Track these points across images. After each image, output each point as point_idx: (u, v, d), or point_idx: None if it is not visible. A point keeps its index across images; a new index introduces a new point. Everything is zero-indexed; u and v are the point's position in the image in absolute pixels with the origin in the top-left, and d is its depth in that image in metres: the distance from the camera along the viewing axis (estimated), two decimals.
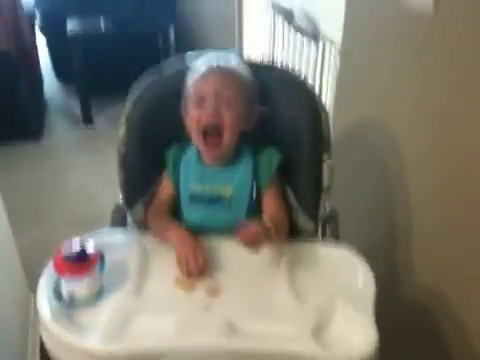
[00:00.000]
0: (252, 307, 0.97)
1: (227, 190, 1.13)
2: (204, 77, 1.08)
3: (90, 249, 0.99)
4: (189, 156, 1.17)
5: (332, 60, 1.85)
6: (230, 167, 1.13)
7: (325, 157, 1.14)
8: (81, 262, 0.96)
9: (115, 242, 1.12)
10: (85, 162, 2.80)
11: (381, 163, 1.44)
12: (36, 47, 3.18)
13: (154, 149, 1.18)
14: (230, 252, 1.08)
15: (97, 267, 0.98)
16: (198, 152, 1.16)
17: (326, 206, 1.17)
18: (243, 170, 1.13)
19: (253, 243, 0.98)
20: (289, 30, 2.18)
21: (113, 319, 0.93)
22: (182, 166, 1.17)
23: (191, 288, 1.01)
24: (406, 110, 1.31)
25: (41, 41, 3.49)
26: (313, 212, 1.16)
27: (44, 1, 3.40)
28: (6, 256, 1.63)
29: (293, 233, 1.16)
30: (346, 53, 1.61)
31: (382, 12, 1.36)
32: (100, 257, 1.00)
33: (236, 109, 1.08)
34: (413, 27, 1.24)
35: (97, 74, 3.16)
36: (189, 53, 1.21)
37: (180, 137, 1.16)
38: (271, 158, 1.14)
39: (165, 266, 1.06)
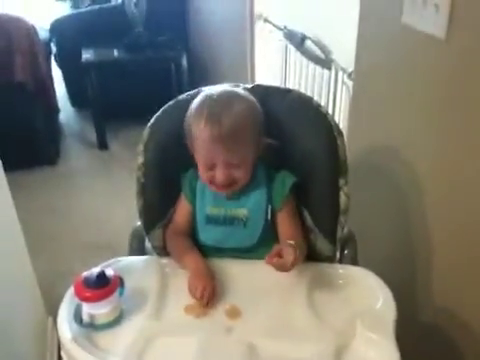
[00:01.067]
0: (273, 329, 0.97)
1: (243, 212, 1.15)
2: (210, 144, 1.06)
3: (110, 273, 1.00)
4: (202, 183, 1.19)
5: (344, 87, 1.88)
6: (245, 190, 1.15)
7: (341, 182, 1.15)
8: (101, 286, 0.97)
9: (134, 266, 1.14)
10: (100, 186, 2.83)
11: (398, 188, 1.43)
12: (51, 77, 3.24)
13: (172, 175, 1.20)
14: (249, 273, 1.09)
15: (117, 291, 0.99)
16: None
17: (344, 229, 1.17)
18: (258, 193, 1.15)
19: (288, 269, 1.00)
20: (301, 58, 2.21)
21: (134, 342, 0.94)
22: (198, 190, 1.18)
23: (203, 314, 1.01)
24: (422, 136, 1.31)
25: (56, 69, 3.56)
26: (331, 235, 1.16)
27: (59, 31, 3.49)
28: (24, 278, 1.65)
29: (312, 256, 1.16)
30: (359, 79, 1.63)
31: (394, 38, 1.38)
32: (120, 281, 1.01)
33: (247, 163, 1.11)
34: (426, 52, 1.26)
35: (111, 100, 3.22)
36: (204, 89, 1.22)
37: (196, 163, 1.17)
38: (285, 180, 1.15)
39: (184, 289, 1.06)
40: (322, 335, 0.94)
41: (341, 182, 1.15)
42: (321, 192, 1.16)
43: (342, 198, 1.15)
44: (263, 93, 1.19)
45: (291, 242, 1.04)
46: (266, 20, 2.59)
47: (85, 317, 0.99)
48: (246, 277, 1.09)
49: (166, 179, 1.20)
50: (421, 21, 1.25)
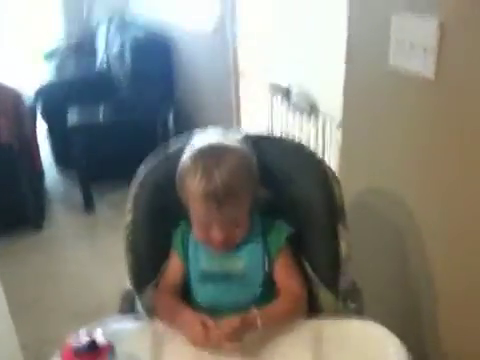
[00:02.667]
0: None
1: (239, 266, 1.09)
2: (205, 202, 1.00)
3: (99, 339, 0.92)
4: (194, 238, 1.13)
5: (332, 135, 1.87)
6: (240, 243, 1.09)
7: (340, 228, 1.10)
8: (91, 353, 0.90)
9: (125, 330, 1.06)
10: (86, 251, 2.75)
11: (396, 232, 1.40)
12: (37, 140, 3.23)
13: (162, 229, 1.15)
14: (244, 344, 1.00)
15: (108, 358, 0.91)
16: None
17: (347, 278, 1.11)
18: (254, 244, 1.10)
19: (231, 338, 0.95)
20: (287, 110, 2.22)
21: None
22: (191, 244, 1.13)
23: None
24: (417, 175, 1.30)
25: (41, 130, 3.55)
26: (333, 285, 1.11)
27: (45, 92, 3.50)
28: (8, 350, 1.56)
29: (314, 309, 1.11)
30: (348, 126, 1.62)
31: (382, 81, 1.38)
32: (110, 347, 0.93)
33: (244, 219, 1.06)
34: (416, 93, 1.25)
35: (97, 162, 3.18)
36: (197, 130, 1.20)
37: (189, 215, 1.12)
38: (280, 230, 1.11)
39: (181, 354, 0.99)
40: None
41: (340, 229, 1.10)
42: (319, 240, 1.12)
43: (342, 246, 1.10)
44: (254, 141, 1.16)
45: (254, 311, 0.99)
46: (251, 75, 2.62)
47: None
48: (248, 335, 1.01)
49: (157, 235, 1.15)
50: (409, 63, 1.25)
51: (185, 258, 1.12)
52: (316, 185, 1.12)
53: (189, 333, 0.99)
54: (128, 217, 1.15)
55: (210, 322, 0.97)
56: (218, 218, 1.02)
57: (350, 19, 1.48)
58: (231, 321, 0.95)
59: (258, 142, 1.16)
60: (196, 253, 1.12)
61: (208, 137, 1.09)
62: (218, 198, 0.99)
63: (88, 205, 3.11)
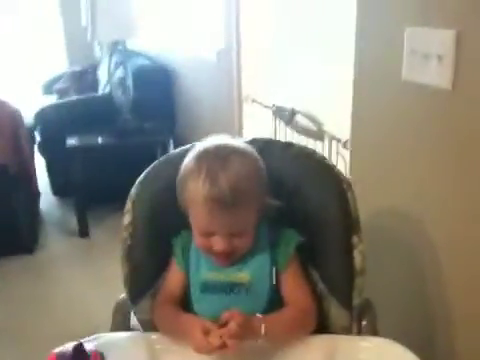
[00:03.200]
0: None
1: (244, 277, 1.00)
2: (207, 209, 0.92)
3: (89, 349, 0.84)
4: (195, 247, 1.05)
5: (339, 156, 1.81)
6: (246, 252, 1.01)
7: (355, 240, 1.03)
8: None
9: (118, 343, 0.97)
10: (80, 276, 2.66)
11: (411, 249, 1.33)
12: (34, 161, 3.18)
13: (163, 236, 1.07)
14: (253, 346, 0.91)
15: None
16: None
17: (361, 294, 1.02)
18: (261, 254, 1.01)
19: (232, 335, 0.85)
20: (292, 133, 2.17)
21: None
22: (192, 253, 1.04)
23: None
24: (432, 190, 1.24)
25: (39, 158, 3.50)
26: (346, 300, 1.02)
27: (44, 119, 3.45)
28: None
29: (325, 327, 1.02)
30: (357, 145, 1.57)
31: (395, 96, 1.34)
32: (101, 358, 0.84)
33: (250, 229, 0.98)
34: (432, 105, 1.21)
35: (95, 186, 3.12)
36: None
37: (190, 224, 1.04)
38: (289, 239, 1.03)
39: None
40: None
41: (355, 240, 1.02)
42: (332, 252, 1.04)
43: (357, 258, 1.02)
44: (262, 147, 1.09)
45: (258, 316, 0.91)
46: (254, 100, 2.59)
47: None
48: (252, 351, 0.91)
49: (156, 240, 1.07)
50: (424, 74, 1.21)
51: (186, 267, 1.04)
52: (330, 193, 1.05)
53: (191, 341, 0.89)
54: (126, 219, 1.07)
55: (211, 325, 0.88)
56: (221, 226, 0.93)
57: (358, 34, 1.45)
58: (233, 321, 0.86)
59: (266, 147, 1.10)
60: (198, 262, 1.03)
61: (213, 139, 1.01)
62: (223, 204, 0.90)
63: (83, 230, 3.03)
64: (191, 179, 0.94)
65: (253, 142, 1.10)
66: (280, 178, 1.06)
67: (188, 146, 1.09)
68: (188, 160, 0.97)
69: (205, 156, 0.95)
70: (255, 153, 1.00)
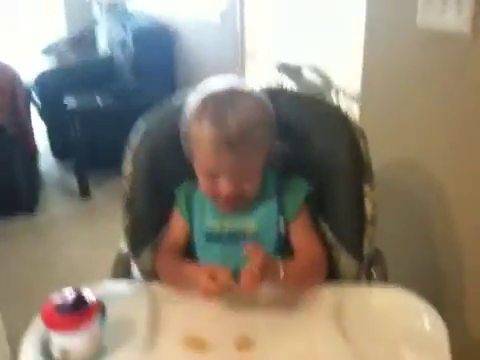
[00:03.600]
0: None
1: (250, 225, 0.96)
2: (214, 149, 0.87)
3: (88, 297, 0.80)
4: (201, 194, 1.00)
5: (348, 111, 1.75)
6: (252, 200, 0.96)
7: (366, 188, 0.98)
8: (76, 312, 0.77)
9: (119, 293, 0.93)
10: (80, 237, 2.63)
11: (420, 201, 1.30)
12: (31, 122, 3.12)
13: (164, 187, 1.03)
14: (260, 298, 0.88)
15: (96, 319, 0.79)
16: None
17: (371, 243, 0.98)
18: (268, 203, 0.97)
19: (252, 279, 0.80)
20: (299, 89, 2.10)
21: None
22: (196, 202, 1.00)
23: (202, 347, 0.80)
24: (443, 141, 1.20)
25: (38, 119, 3.45)
26: (356, 249, 0.98)
27: (44, 82, 3.39)
28: None
29: (335, 276, 0.98)
30: (366, 97, 1.51)
31: (409, 44, 1.28)
32: (100, 307, 0.80)
33: (257, 172, 0.93)
34: (449, 52, 1.14)
35: (95, 148, 3.07)
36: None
37: (193, 174, 0.98)
38: (298, 188, 0.98)
39: (180, 319, 0.86)
40: None
41: (366, 188, 0.98)
42: (343, 200, 0.99)
43: (368, 206, 0.97)
44: (271, 93, 1.04)
45: (277, 258, 0.86)
46: (257, 58, 2.51)
47: (56, 353, 0.78)
48: (256, 301, 0.88)
49: (158, 191, 1.03)
50: (441, 19, 1.14)
51: (189, 217, 1.00)
52: (341, 140, 0.99)
53: (197, 286, 0.85)
54: (127, 170, 1.03)
55: (217, 269, 0.84)
56: (228, 167, 0.88)
57: None
58: (257, 257, 0.81)
59: (275, 95, 1.03)
60: (202, 212, 0.99)
61: (219, 80, 0.96)
62: (230, 142, 0.86)
63: (84, 191, 2.99)
64: (197, 121, 0.90)
65: (262, 90, 1.05)
66: (288, 124, 1.01)
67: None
68: (193, 100, 0.93)
69: (212, 97, 0.90)
70: (263, 95, 0.95)
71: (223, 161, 0.88)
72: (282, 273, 0.84)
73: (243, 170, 0.90)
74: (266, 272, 0.80)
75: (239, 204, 0.94)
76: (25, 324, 0.90)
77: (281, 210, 0.97)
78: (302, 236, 0.96)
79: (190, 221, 1.00)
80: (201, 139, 0.89)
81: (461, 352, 1.16)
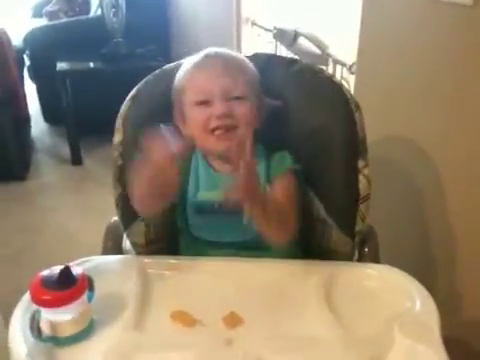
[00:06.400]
0: (284, 339, 0.76)
1: None
2: (205, 72, 0.93)
3: (76, 272, 0.78)
4: (196, 164, 0.99)
5: (344, 82, 1.72)
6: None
7: (360, 163, 0.96)
8: (65, 287, 0.76)
9: (108, 267, 0.93)
10: (71, 204, 2.62)
11: (414, 177, 1.29)
12: (23, 85, 3.06)
13: None
14: (251, 273, 0.88)
15: (85, 294, 0.78)
16: (205, 159, 0.98)
17: (364, 220, 0.97)
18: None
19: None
20: (294, 55, 2.06)
21: None
22: (191, 170, 0.98)
23: (191, 323, 0.80)
24: (439, 117, 1.18)
25: (29, 84, 3.37)
26: (348, 226, 0.97)
27: (34, 42, 3.29)
28: None
29: (326, 253, 0.97)
30: (363, 67, 1.48)
31: (408, 13, 1.24)
32: (88, 283, 0.79)
33: (249, 100, 0.93)
34: (449, 22, 1.11)
35: (87, 114, 3.01)
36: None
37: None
38: (283, 159, 0.96)
39: (171, 294, 0.86)
40: (350, 346, 0.74)
41: (360, 164, 0.96)
42: (336, 175, 0.97)
43: (362, 182, 0.96)
44: (264, 62, 1.02)
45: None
46: (254, 23, 2.45)
47: (45, 328, 0.77)
48: (248, 278, 0.88)
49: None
50: None
51: (180, 189, 0.97)
52: (336, 112, 0.97)
53: (154, 157, 0.80)
54: (117, 138, 1.00)
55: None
56: (219, 88, 0.91)
57: None
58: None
59: (269, 62, 1.02)
60: (194, 184, 0.97)
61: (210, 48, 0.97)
62: (222, 68, 0.92)
63: (76, 158, 2.95)
64: (188, 75, 0.95)
65: (255, 56, 1.03)
66: (281, 95, 0.99)
67: (183, 61, 1.01)
68: (186, 64, 0.98)
69: (203, 57, 0.96)
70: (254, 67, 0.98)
71: (214, 82, 0.91)
72: (264, 196, 0.82)
73: (233, 91, 0.92)
74: (253, 179, 0.78)
75: (234, 136, 0.91)
76: (15, 290, 0.90)
77: (268, 179, 0.94)
78: (278, 192, 0.92)
79: (182, 191, 0.97)
80: (194, 73, 0.94)
81: (451, 330, 1.19)
